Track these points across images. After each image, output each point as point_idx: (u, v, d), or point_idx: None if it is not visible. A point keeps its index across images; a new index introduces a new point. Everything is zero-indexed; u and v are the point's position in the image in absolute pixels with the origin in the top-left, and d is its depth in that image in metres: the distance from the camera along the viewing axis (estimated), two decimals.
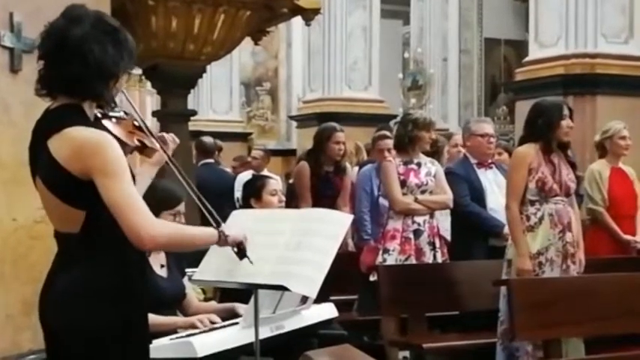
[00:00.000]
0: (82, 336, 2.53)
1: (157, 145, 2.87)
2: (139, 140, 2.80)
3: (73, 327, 2.53)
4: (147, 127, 2.85)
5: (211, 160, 8.45)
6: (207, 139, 8.53)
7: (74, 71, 2.51)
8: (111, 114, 2.74)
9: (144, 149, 2.85)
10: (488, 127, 6.22)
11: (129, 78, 2.74)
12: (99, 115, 2.68)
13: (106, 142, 2.49)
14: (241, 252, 2.90)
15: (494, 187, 5.99)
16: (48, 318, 2.59)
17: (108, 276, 2.55)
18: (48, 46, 2.54)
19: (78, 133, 2.49)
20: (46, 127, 2.53)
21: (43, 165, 2.54)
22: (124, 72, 2.62)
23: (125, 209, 2.44)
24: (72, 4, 2.63)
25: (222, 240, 2.78)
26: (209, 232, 2.76)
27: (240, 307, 4.02)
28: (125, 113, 2.82)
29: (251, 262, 2.92)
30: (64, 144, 2.48)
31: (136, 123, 2.83)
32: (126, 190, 2.46)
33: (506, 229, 5.60)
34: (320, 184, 6.54)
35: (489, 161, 6.17)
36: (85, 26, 2.52)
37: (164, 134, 3.01)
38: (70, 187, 2.49)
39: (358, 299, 6.32)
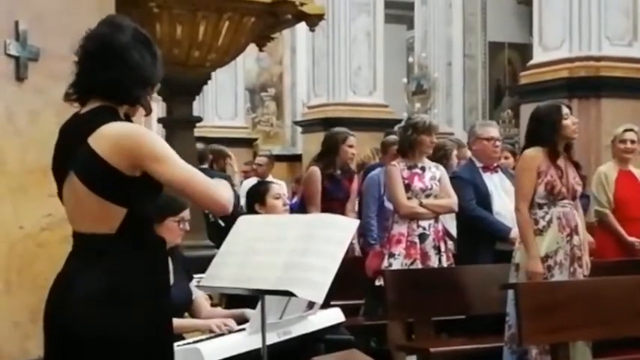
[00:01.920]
0: (113, 340, 2.51)
1: None
2: None
3: (103, 331, 2.51)
4: None
5: (205, 166, 8.46)
6: (198, 146, 8.53)
7: (116, 75, 2.58)
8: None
9: None
10: (493, 130, 6.22)
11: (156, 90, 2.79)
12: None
13: (148, 131, 2.59)
14: None
15: (501, 191, 5.98)
16: (68, 320, 2.54)
17: (142, 277, 2.57)
18: (90, 49, 2.61)
19: (122, 126, 2.56)
20: (86, 126, 2.56)
21: (81, 164, 2.55)
22: (157, 83, 2.70)
23: (197, 183, 2.56)
24: (111, 14, 2.75)
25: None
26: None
27: (249, 312, 4.02)
28: None
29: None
30: (109, 139, 2.52)
31: None
32: (186, 165, 2.58)
33: (512, 234, 5.60)
34: (331, 187, 6.61)
35: (495, 165, 6.16)
36: (128, 34, 2.61)
37: None
38: (115, 184, 2.53)
39: (365, 304, 6.32)
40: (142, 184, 2.55)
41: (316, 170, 6.67)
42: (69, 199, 2.62)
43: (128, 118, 2.68)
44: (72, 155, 2.57)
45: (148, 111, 2.72)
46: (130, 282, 2.55)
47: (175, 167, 2.55)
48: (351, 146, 6.70)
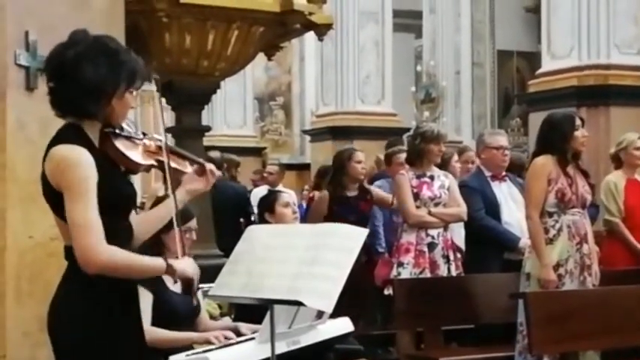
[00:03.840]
0: (73, 349, 2.60)
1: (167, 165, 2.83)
2: (157, 160, 2.81)
3: (67, 338, 2.61)
4: (167, 147, 2.84)
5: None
6: (214, 154, 8.52)
7: (68, 92, 2.62)
8: (125, 133, 2.76)
9: (164, 169, 2.83)
10: (502, 139, 6.21)
11: (136, 95, 2.77)
12: (113, 132, 2.72)
13: (78, 161, 2.56)
14: (187, 289, 2.85)
15: (509, 201, 5.97)
16: (49, 328, 2.68)
17: (100, 288, 2.60)
18: (48, 70, 2.68)
19: (57, 151, 2.59)
20: (47, 148, 2.65)
21: (42, 184, 2.66)
22: (125, 91, 2.68)
23: (80, 230, 2.52)
24: (75, 29, 2.72)
25: (170, 272, 2.73)
26: (158, 262, 2.72)
27: (242, 326, 4.03)
28: (143, 134, 2.83)
29: (197, 302, 2.98)
30: (50, 161, 2.60)
31: (158, 144, 2.83)
32: (85, 211, 2.52)
33: (521, 243, 5.60)
34: (341, 210, 6.29)
35: (503, 174, 6.14)
36: (79, 48, 2.62)
37: (206, 165, 2.97)
38: (60, 202, 2.58)
39: (364, 312, 6.35)
40: None
41: (325, 195, 6.49)
42: None
43: (115, 129, 2.69)
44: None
45: (101, 120, 2.68)
46: (89, 292, 2.60)
47: (76, 208, 2.53)
48: (359, 162, 6.43)
